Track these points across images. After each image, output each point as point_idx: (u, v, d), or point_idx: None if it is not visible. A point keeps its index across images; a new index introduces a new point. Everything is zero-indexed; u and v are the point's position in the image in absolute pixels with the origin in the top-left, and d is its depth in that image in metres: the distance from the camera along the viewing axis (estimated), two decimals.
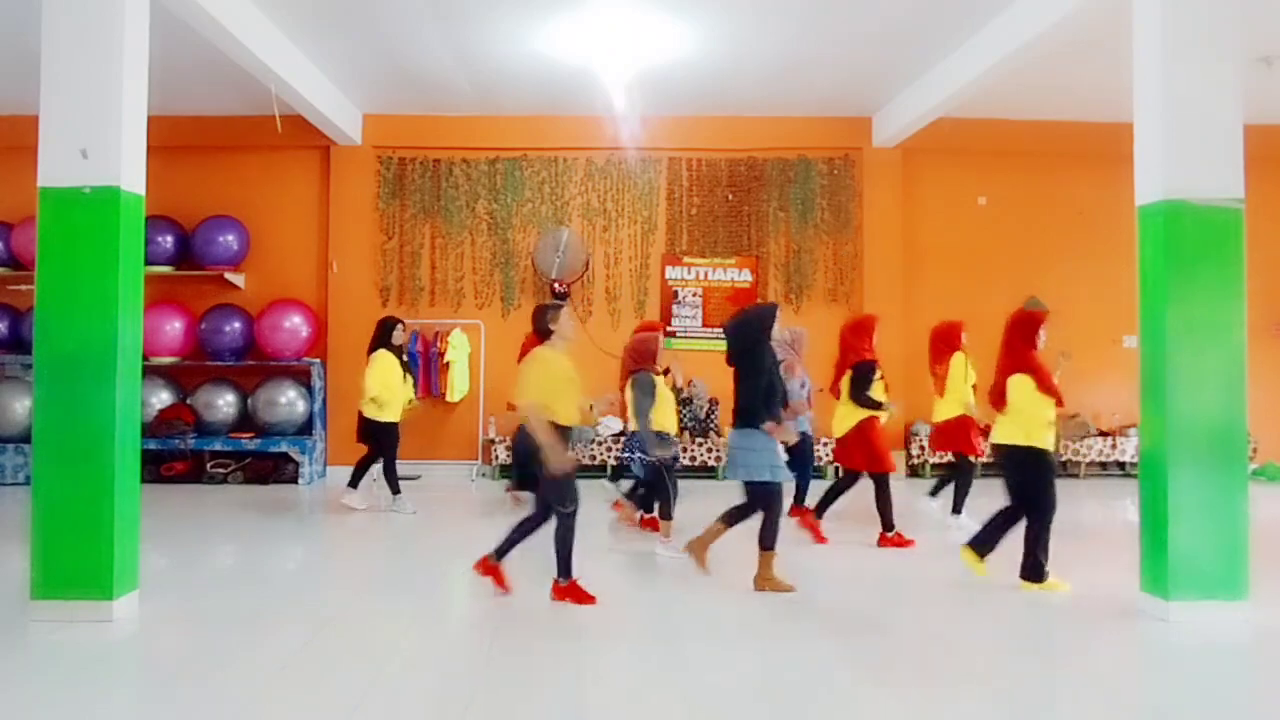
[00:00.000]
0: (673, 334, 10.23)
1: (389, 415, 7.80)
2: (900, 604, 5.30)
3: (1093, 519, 8.33)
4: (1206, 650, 4.47)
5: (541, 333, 5.23)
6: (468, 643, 4.45)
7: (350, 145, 10.10)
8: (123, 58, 4.92)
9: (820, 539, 6.73)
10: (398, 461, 8.01)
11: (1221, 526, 4.91)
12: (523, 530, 5.14)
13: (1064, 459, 10.17)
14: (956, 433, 7.04)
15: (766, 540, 5.30)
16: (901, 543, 6.57)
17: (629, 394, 6.39)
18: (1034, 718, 3.67)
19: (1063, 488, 9.35)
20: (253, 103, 9.01)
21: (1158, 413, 5.03)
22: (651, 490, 6.62)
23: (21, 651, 4.36)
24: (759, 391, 5.24)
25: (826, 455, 9.46)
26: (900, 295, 10.20)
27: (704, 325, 10.31)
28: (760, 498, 5.30)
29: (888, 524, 6.59)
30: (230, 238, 9.92)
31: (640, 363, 6.34)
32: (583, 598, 5.03)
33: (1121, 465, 10.41)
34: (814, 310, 10.02)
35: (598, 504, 7.19)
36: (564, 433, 5.03)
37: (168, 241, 9.76)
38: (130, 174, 4.97)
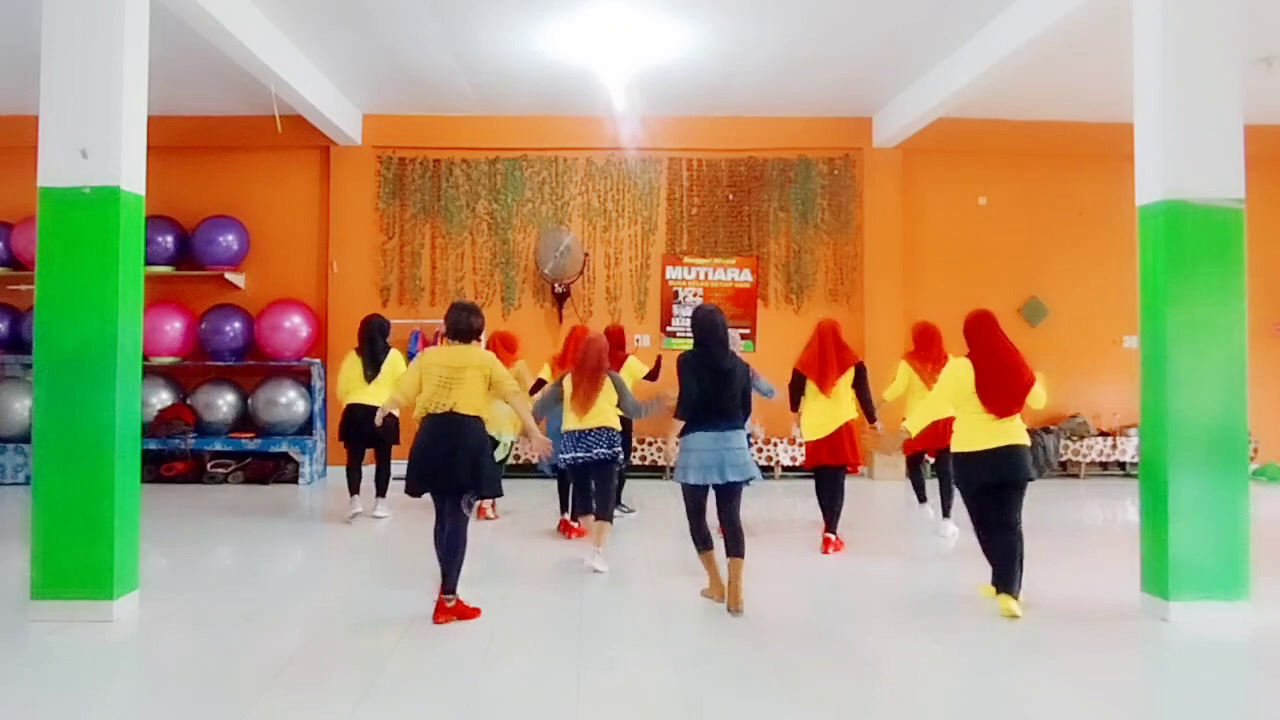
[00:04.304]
0: (673, 334, 10.24)
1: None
2: (896, 607, 5.30)
3: (1093, 519, 8.34)
4: (1206, 650, 4.46)
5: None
6: (467, 642, 4.45)
7: (350, 145, 10.10)
8: (123, 58, 4.91)
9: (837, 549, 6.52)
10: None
11: (1221, 526, 4.91)
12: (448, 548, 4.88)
13: (1064, 459, 10.18)
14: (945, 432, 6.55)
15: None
16: (839, 546, 6.48)
17: (602, 394, 6.15)
18: (1034, 718, 3.66)
19: (1063, 487, 9.58)
20: (253, 103, 9.02)
21: (1158, 413, 5.02)
22: (599, 491, 6.21)
23: (21, 651, 4.36)
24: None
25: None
26: (900, 295, 10.21)
27: None
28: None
29: (834, 525, 6.52)
30: (230, 238, 9.92)
31: (610, 365, 6.27)
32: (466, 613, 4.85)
33: (1121, 465, 10.41)
34: (814, 310, 9.98)
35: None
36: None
37: (168, 241, 9.76)
38: (130, 174, 4.97)
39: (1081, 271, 10.30)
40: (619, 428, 6.28)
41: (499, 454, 7.69)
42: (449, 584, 4.83)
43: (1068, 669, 4.19)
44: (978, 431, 5.05)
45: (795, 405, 6.73)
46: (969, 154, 10.40)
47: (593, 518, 6.12)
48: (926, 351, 6.94)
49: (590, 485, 6.20)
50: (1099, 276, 10.09)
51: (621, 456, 6.32)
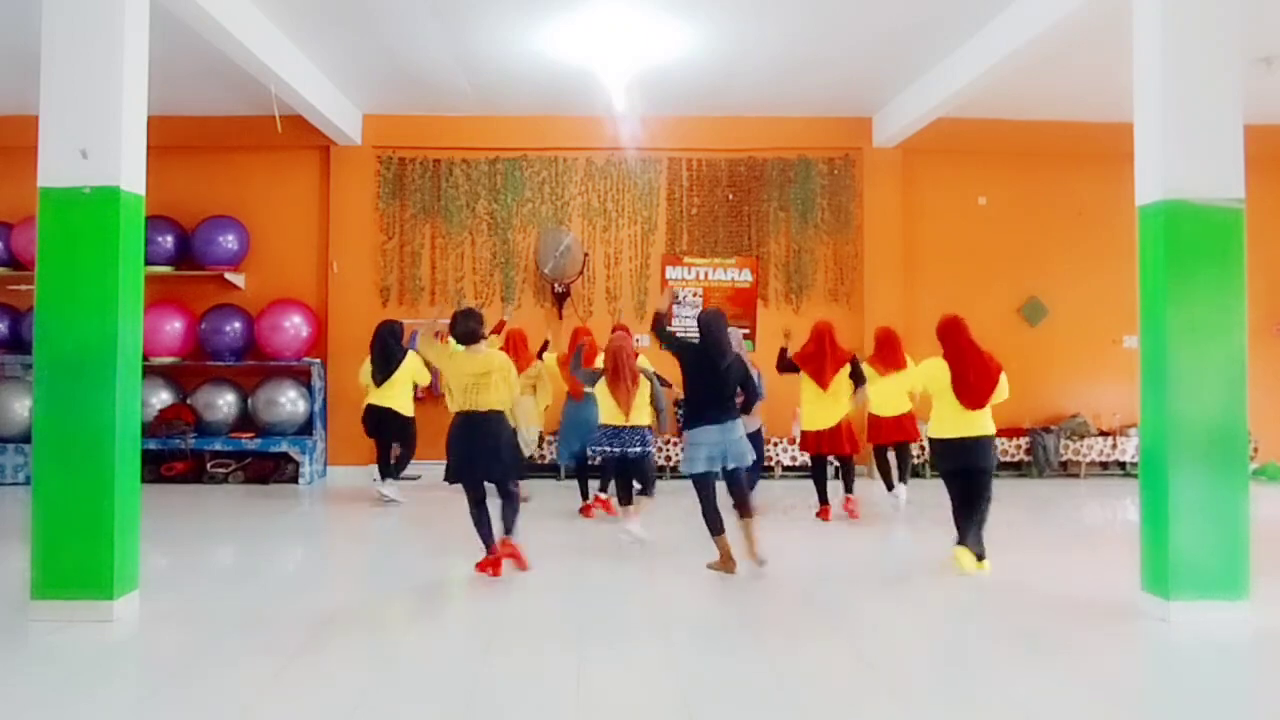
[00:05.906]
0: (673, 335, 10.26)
1: (411, 410, 8.52)
2: (892, 599, 5.30)
3: (1093, 519, 8.34)
4: (1206, 650, 4.46)
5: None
6: (467, 642, 4.45)
7: (350, 145, 10.09)
8: (123, 58, 4.91)
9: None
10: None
11: (1221, 526, 4.91)
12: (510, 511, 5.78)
13: (1064, 459, 10.18)
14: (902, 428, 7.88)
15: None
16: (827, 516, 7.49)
17: (640, 392, 6.81)
18: (1033, 717, 3.66)
19: (1063, 487, 9.58)
20: (253, 103, 9.01)
21: (1158, 413, 5.02)
22: (640, 478, 6.95)
23: (21, 651, 4.36)
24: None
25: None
26: (900, 295, 10.21)
27: None
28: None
29: (825, 497, 7.58)
30: (230, 238, 9.92)
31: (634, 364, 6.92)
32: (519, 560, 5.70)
33: (1122, 465, 10.40)
34: (814, 310, 9.98)
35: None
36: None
37: (168, 241, 9.75)
38: (130, 174, 4.97)
39: (1081, 271, 10.30)
40: (649, 424, 6.90)
41: (528, 449, 8.49)
42: (509, 530, 5.68)
43: (1068, 668, 4.19)
44: (952, 421, 5.72)
45: (781, 370, 7.62)
46: (969, 154, 10.40)
47: (622, 501, 6.88)
48: (890, 355, 7.63)
49: (629, 477, 6.83)
50: (1099, 276, 10.09)
51: (652, 451, 6.91)
